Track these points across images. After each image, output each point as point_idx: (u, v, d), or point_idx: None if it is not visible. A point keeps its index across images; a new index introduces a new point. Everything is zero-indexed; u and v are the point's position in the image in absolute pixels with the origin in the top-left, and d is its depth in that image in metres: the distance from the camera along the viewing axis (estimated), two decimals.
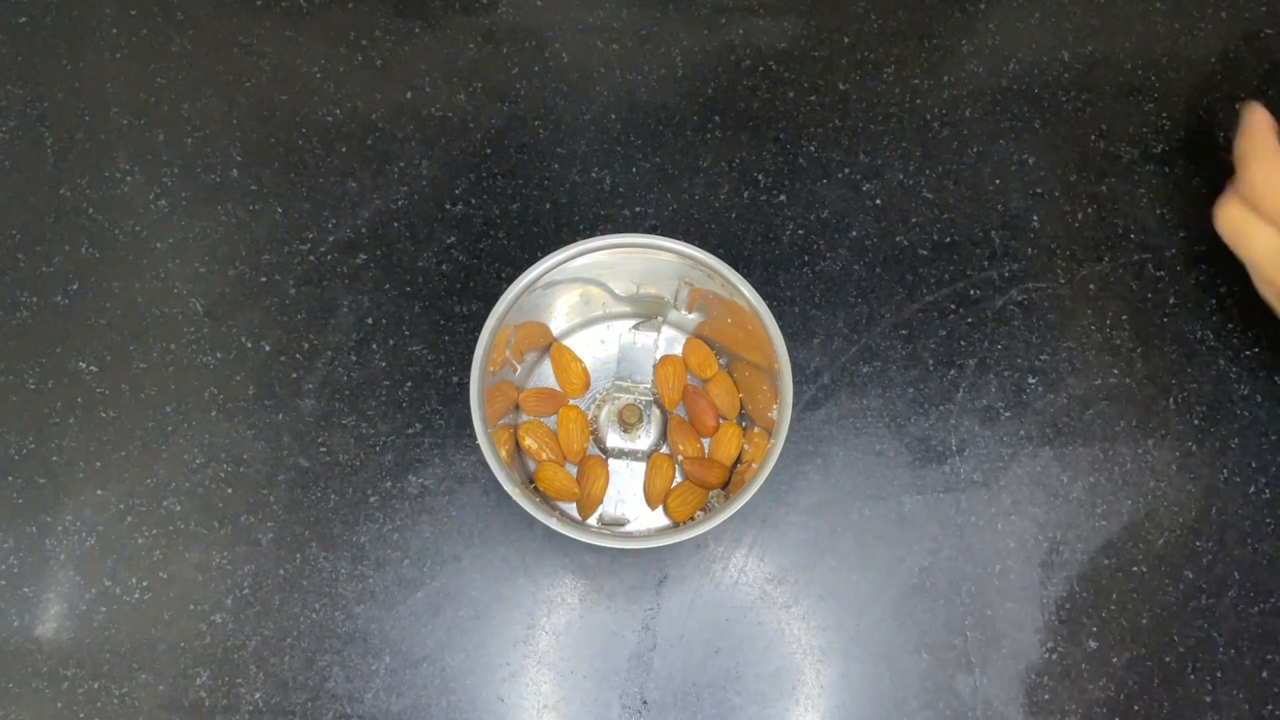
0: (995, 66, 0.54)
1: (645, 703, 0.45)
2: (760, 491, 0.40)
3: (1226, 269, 0.50)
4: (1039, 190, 0.52)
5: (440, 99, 0.53)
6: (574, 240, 0.41)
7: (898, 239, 0.51)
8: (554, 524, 0.40)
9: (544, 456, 0.46)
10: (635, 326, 0.48)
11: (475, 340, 0.41)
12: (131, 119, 0.52)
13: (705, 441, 0.47)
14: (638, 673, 0.45)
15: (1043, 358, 0.49)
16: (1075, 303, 0.50)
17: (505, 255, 0.50)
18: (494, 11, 0.54)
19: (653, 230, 0.51)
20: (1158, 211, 0.51)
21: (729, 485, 0.46)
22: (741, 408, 0.47)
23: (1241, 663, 0.45)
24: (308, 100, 0.53)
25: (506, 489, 0.40)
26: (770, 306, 0.41)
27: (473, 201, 0.51)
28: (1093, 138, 0.53)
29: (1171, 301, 0.50)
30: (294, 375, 0.49)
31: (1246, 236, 0.42)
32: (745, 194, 0.51)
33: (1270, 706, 0.45)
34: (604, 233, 0.46)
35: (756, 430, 0.46)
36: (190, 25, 0.54)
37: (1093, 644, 0.46)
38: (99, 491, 0.47)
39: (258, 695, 0.45)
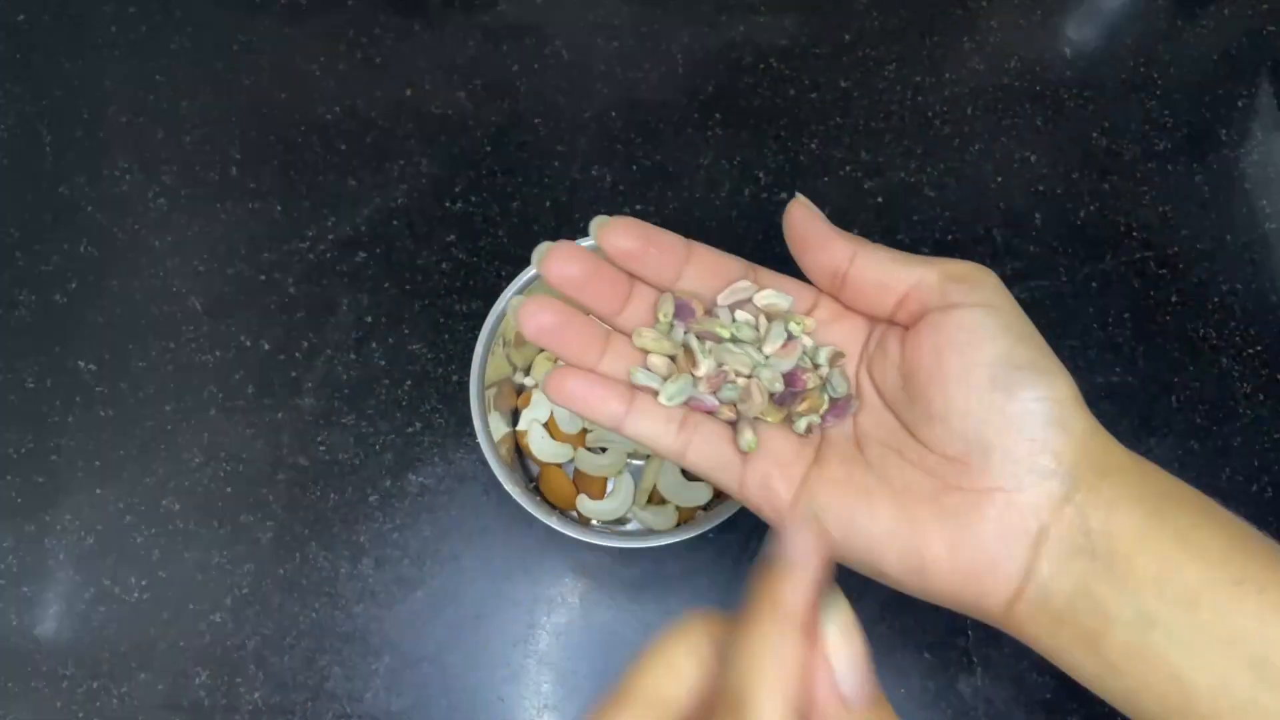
0: (997, 64, 0.53)
1: None
2: None
3: (1228, 267, 0.50)
4: (1041, 188, 0.51)
5: (440, 96, 0.53)
6: (575, 238, 0.41)
7: (899, 237, 0.50)
8: (554, 523, 0.39)
9: None
10: None
11: (475, 339, 0.41)
12: (130, 117, 0.52)
13: None
14: None
15: None
16: (1077, 300, 0.50)
17: (505, 253, 0.50)
18: (494, 9, 0.54)
19: None
20: (1160, 209, 0.51)
21: None
22: None
23: None
24: (307, 98, 0.52)
25: (507, 488, 0.40)
26: None
27: (473, 199, 0.51)
28: (1095, 135, 0.52)
29: (1174, 299, 0.50)
30: (293, 374, 0.48)
31: None
32: (746, 192, 0.51)
33: None
34: None
35: None
36: (189, 23, 0.54)
37: None
38: (98, 490, 0.47)
39: (257, 695, 0.45)
